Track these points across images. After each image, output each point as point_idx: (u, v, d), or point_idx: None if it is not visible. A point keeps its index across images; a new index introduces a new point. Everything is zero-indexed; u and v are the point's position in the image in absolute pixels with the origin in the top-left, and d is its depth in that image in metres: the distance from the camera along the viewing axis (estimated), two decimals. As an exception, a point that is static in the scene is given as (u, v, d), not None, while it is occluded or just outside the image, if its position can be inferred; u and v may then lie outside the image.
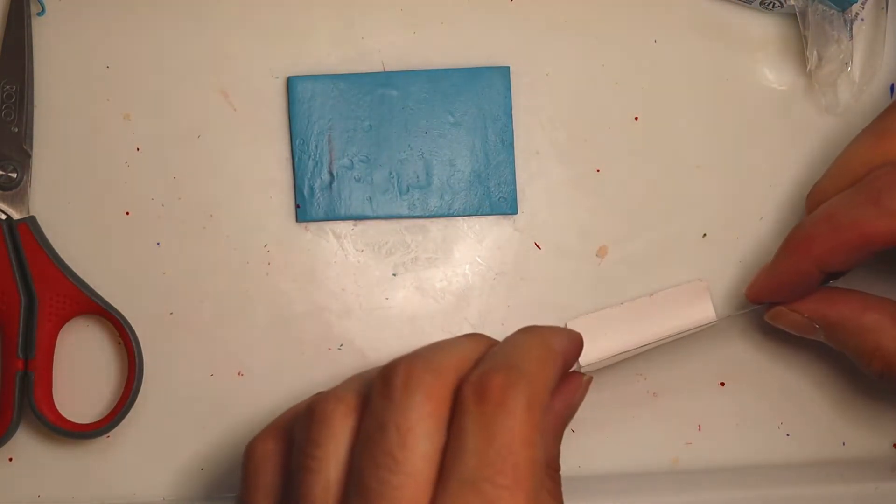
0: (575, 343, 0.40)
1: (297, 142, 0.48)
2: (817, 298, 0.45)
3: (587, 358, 0.46)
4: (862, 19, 0.49)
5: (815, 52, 0.48)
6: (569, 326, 0.48)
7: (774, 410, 0.49)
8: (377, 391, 0.36)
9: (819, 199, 0.45)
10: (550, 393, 0.37)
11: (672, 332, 0.47)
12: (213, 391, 0.47)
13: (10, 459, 0.47)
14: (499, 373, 0.35)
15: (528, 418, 0.35)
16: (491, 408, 0.35)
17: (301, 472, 0.37)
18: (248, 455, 0.40)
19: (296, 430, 0.38)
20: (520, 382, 0.35)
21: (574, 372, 0.41)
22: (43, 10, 0.48)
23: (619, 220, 0.49)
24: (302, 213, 0.48)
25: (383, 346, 0.48)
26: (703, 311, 0.48)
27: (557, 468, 0.39)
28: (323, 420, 0.37)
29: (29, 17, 0.47)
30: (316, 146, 0.48)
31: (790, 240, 0.45)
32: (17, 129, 0.47)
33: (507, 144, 0.48)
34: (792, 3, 0.48)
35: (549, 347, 0.38)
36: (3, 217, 0.46)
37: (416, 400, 0.35)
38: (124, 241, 0.48)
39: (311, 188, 0.48)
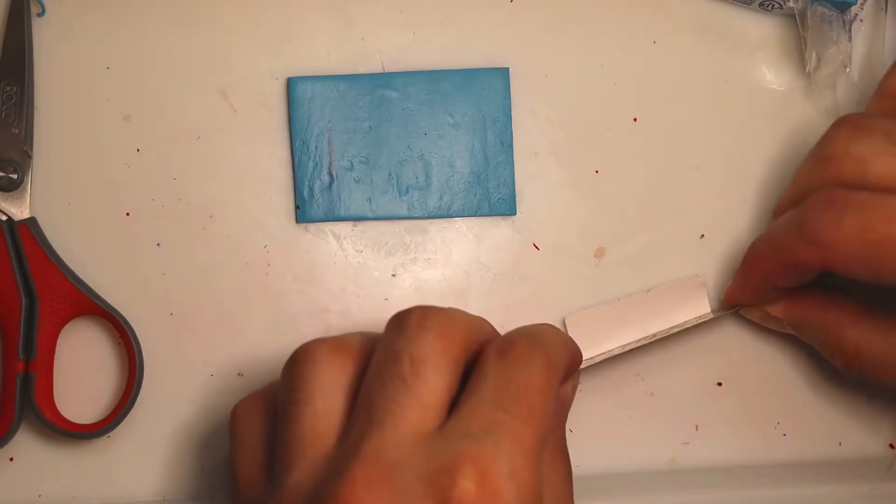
0: (578, 353, 0.42)
1: (297, 143, 0.48)
2: (785, 299, 0.46)
3: (585, 353, 0.46)
4: (861, 21, 0.49)
5: (814, 54, 0.48)
6: (566, 322, 0.48)
7: (771, 410, 0.49)
8: (390, 329, 0.37)
9: (780, 214, 0.46)
10: (562, 374, 0.38)
11: (668, 327, 0.48)
12: (213, 391, 0.48)
13: (11, 459, 0.47)
14: (521, 338, 0.37)
15: (546, 376, 0.36)
16: (511, 361, 0.36)
17: (288, 406, 0.37)
18: (233, 415, 0.40)
19: (280, 379, 0.38)
20: (540, 349, 0.37)
21: None
22: (43, 11, 0.48)
23: (617, 220, 0.49)
24: (302, 213, 0.48)
25: (382, 347, 0.48)
26: (699, 307, 0.48)
27: (565, 449, 0.40)
28: (306, 360, 0.37)
29: (29, 17, 0.47)
30: (316, 147, 0.48)
31: (747, 254, 0.47)
32: (17, 131, 0.47)
33: (507, 145, 0.48)
34: (791, 4, 0.48)
35: (565, 337, 0.40)
36: (4, 218, 0.46)
37: (431, 336, 0.36)
38: (124, 242, 0.48)
39: (311, 189, 0.48)
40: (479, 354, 0.37)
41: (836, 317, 0.45)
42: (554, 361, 0.37)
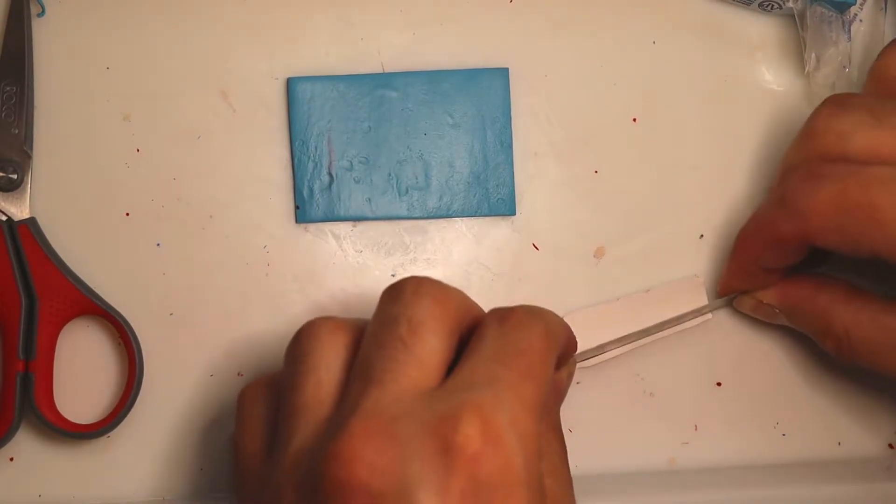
0: (574, 338, 0.42)
1: (297, 143, 0.48)
2: (777, 285, 0.47)
3: (583, 351, 0.47)
4: (860, 21, 0.49)
5: (813, 54, 0.48)
6: (565, 320, 0.48)
7: (770, 410, 0.49)
8: (385, 298, 0.37)
9: (747, 245, 0.46)
10: (559, 347, 0.39)
11: (663, 321, 0.48)
12: (213, 391, 0.48)
13: (11, 459, 0.47)
14: (520, 308, 0.37)
15: (546, 343, 0.36)
16: (511, 326, 0.36)
17: (291, 378, 0.37)
18: (240, 396, 0.40)
19: (284, 359, 0.39)
20: (540, 319, 0.37)
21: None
22: (43, 11, 0.48)
23: (616, 220, 0.49)
24: (301, 213, 0.48)
25: (382, 347, 0.48)
26: (697, 306, 0.48)
27: (561, 430, 0.41)
28: (310, 335, 0.38)
29: (29, 17, 0.47)
30: (315, 147, 0.48)
31: (736, 240, 0.47)
32: (17, 131, 0.47)
33: (506, 146, 0.48)
34: (790, 4, 0.48)
35: (562, 319, 0.40)
36: (4, 218, 0.46)
37: (427, 301, 0.36)
38: (124, 242, 0.48)
39: (311, 189, 0.48)
40: (477, 325, 0.37)
41: (826, 300, 0.45)
42: (552, 332, 0.37)
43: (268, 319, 0.48)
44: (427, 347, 0.35)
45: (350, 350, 0.37)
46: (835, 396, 0.49)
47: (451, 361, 0.36)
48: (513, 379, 0.34)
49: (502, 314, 0.37)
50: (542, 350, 0.36)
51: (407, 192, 0.48)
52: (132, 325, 0.46)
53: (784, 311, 0.47)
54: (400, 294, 0.37)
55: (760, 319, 0.48)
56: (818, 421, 0.49)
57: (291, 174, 0.48)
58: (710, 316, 0.48)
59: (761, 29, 0.50)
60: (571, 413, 0.47)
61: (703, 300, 0.48)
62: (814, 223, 0.41)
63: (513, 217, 0.49)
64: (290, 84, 0.48)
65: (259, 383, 0.40)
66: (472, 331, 0.38)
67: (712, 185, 0.49)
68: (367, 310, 0.48)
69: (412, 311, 0.36)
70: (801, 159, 0.43)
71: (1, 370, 0.46)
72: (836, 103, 0.43)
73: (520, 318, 0.37)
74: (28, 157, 0.47)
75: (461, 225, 0.49)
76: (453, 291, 0.38)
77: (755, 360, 0.49)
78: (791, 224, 0.42)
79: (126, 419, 0.46)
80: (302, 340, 0.38)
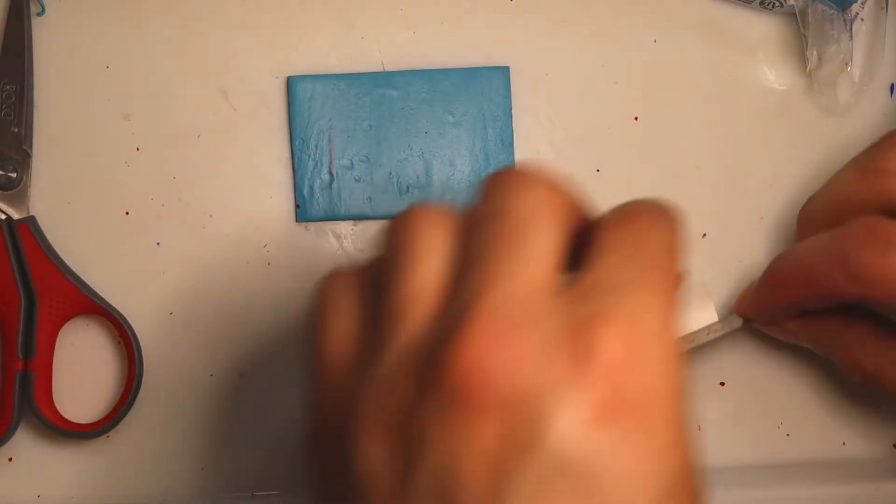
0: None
1: (297, 142, 0.48)
2: (804, 318, 0.45)
3: None
4: (862, 19, 0.49)
5: (814, 52, 0.48)
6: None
7: (774, 410, 0.49)
8: (490, 188, 0.32)
9: (808, 218, 0.45)
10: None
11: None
12: (213, 391, 0.47)
13: (10, 459, 0.47)
14: (644, 203, 0.32)
15: (677, 243, 0.32)
16: (639, 226, 0.31)
17: (397, 266, 0.32)
18: (322, 290, 0.34)
19: (383, 246, 0.33)
20: (667, 215, 0.32)
21: None
22: (43, 10, 0.48)
23: (618, 220, 0.49)
24: (302, 212, 0.48)
25: (383, 346, 0.48)
26: (704, 313, 0.47)
27: None
28: (417, 220, 0.32)
29: (29, 17, 0.47)
30: (316, 146, 0.48)
31: (772, 275, 0.44)
32: (16, 129, 0.47)
33: (507, 144, 0.48)
34: (792, 2, 0.48)
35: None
36: (3, 217, 0.46)
37: (539, 191, 0.31)
38: (124, 241, 0.48)
39: (311, 188, 0.48)
40: (594, 225, 0.32)
41: (857, 336, 0.44)
42: (680, 236, 0.33)
43: (268, 319, 0.48)
44: (543, 240, 0.30)
45: (458, 240, 0.32)
46: (839, 397, 0.49)
47: (566, 261, 0.31)
48: (650, 283, 0.30)
49: (628, 210, 0.32)
50: (675, 247, 0.31)
51: (408, 190, 0.48)
52: (132, 324, 0.46)
53: (809, 341, 0.45)
54: (508, 185, 0.32)
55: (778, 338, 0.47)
56: (823, 421, 0.49)
57: (292, 173, 0.48)
58: (720, 334, 0.47)
59: (762, 27, 0.50)
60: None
61: (710, 308, 0.47)
62: (881, 291, 0.39)
63: (514, 216, 0.48)
64: (291, 83, 0.48)
65: (344, 273, 0.34)
66: (582, 229, 0.33)
67: (714, 183, 0.49)
68: (368, 310, 0.48)
69: (523, 202, 0.31)
70: (861, 199, 0.41)
71: (0, 369, 0.46)
72: None
73: (646, 214, 0.32)
74: (28, 155, 0.47)
75: (462, 224, 0.48)
76: (562, 183, 0.32)
77: (758, 359, 0.49)
78: (853, 287, 0.40)
79: (126, 419, 0.46)
80: (407, 225, 0.32)
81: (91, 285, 0.46)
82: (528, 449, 0.27)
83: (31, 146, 0.47)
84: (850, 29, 0.48)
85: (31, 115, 0.47)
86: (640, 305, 0.29)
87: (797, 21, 0.49)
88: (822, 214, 0.43)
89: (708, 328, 0.47)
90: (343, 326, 0.33)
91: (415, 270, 0.31)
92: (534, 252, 0.30)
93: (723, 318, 0.47)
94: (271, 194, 0.48)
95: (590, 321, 0.28)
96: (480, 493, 0.27)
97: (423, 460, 0.28)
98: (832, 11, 0.48)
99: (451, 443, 0.28)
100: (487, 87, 0.48)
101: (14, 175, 0.46)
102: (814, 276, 0.41)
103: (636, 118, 0.49)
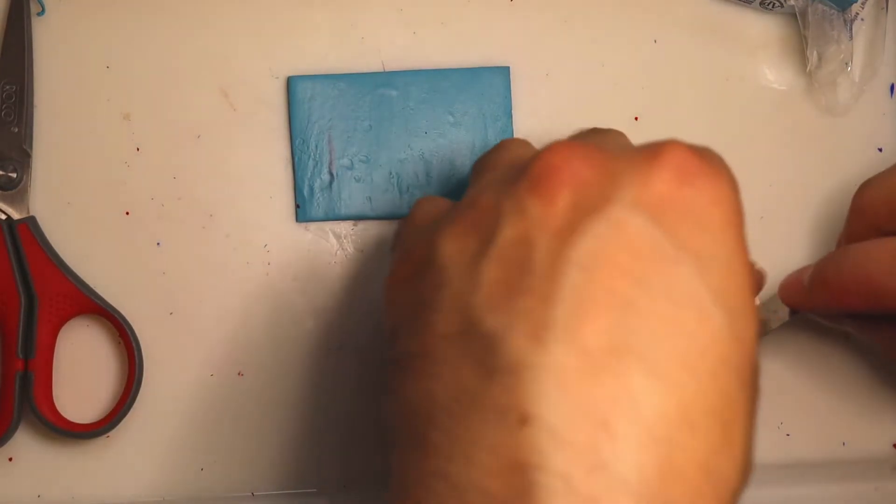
0: None
1: (297, 141, 0.48)
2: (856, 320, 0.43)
3: None
4: (862, 19, 0.49)
5: (814, 52, 0.48)
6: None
7: (774, 410, 0.49)
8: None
9: (865, 206, 0.42)
10: None
11: None
12: (213, 391, 0.47)
13: (10, 459, 0.47)
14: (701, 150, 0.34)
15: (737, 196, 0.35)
16: (701, 184, 0.33)
17: (491, 162, 0.38)
18: (417, 203, 0.40)
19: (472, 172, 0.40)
20: (725, 168, 0.35)
21: None
22: (43, 10, 0.48)
23: (618, 219, 0.49)
24: (302, 212, 0.48)
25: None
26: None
27: None
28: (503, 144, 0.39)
29: (29, 17, 0.47)
30: (316, 146, 0.48)
31: (828, 280, 0.42)
32: (16, 129, 0.47)
33: (507, 144, 0.48)
34: (792, 2, 0.48)
35: None
36: (3, 217, 0.46)
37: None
38: (124, 241, 0.47)
39: (311, 188, 0.48)
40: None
41: None
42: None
43: (268, 319, 0.48)
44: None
45: None
46: (839, 396, 0.49)
47: None
48: (712, 232, 0.33)
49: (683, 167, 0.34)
50: (737, 203, 0.36)
51: (408, 190, 0.48)
52: (132, 324, 0.46)
53: (867, 341, 0.44)
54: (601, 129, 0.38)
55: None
56: (823, 421, 0.49)
57: (292, 173, 0.48)
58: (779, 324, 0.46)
59: (763, 27, 0.50)
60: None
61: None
62: None
63: (514, 216, 0.48)
64: (291, 83, 0.48)
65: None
66: None
67: (714, 183, 0.49)
68: (369, 310, 0.48)
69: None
70: None
71: (0, 369, 0.46)
72: None
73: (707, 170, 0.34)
74: (28, 155, 0.47)
75: (462, 224, 0.48)
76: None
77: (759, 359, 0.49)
78: None
79: (126, 419, 0.46)
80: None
81: (91, 285, 0.46)
82: (598, 208, 0.30)
83: (31, 146, 0.47)
84: (850, 29, 0.48)
85: (31, 115, 0.47)
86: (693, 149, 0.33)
87: (797, 21, 0.49)
88: (883, 204, 0.41)
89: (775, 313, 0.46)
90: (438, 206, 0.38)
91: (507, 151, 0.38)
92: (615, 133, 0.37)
93: (763, 302, 0.46)
94: (271, 194, 0.48)
95: (657, 146, 0.32)
96: (549, 252, 0.30)
97: (500, 234, 0.31)
98: (832, 11, 0.48)
99: (530, 213, 0.31)
100: (487, 87, 0.48)
101: (14, 175, 0.46)
102: (879, 289, 0.39)
103: (636, 118, 0.49)
